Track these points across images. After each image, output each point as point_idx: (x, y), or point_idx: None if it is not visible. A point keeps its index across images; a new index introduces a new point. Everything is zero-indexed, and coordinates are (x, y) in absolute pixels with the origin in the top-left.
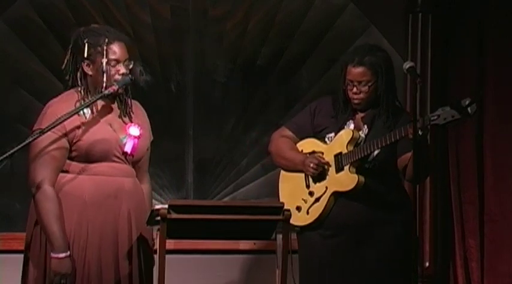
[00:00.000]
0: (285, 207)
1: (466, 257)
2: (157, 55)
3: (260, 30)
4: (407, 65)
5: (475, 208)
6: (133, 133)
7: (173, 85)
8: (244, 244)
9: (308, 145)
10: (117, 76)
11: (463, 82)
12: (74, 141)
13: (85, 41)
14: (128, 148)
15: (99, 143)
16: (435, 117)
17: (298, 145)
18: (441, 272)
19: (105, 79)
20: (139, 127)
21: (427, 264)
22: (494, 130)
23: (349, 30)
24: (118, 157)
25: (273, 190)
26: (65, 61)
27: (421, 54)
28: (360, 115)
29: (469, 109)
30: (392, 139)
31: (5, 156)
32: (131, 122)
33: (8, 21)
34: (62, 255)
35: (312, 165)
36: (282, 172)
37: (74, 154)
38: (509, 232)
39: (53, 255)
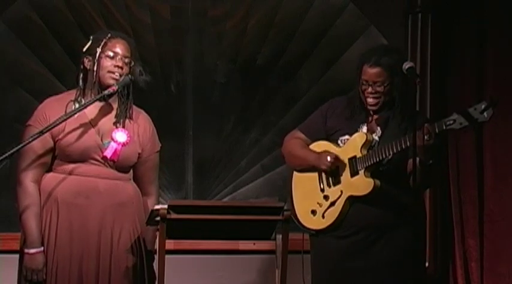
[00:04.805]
0: (299, 210)
1: (466, 257)
2: (157, 55)
3: (260, 30)
4: (406, 65)
5: (475, 208)
6: (119, 139)
7: (173, 85)
8: (244, 244)
9: (320, 147)
10: (111, 68)
11: (463, 82)
12: (56, 140)
13: (90, 37)
14: (107, 153)
15: (77, 144)
16: (451, 122)
17: (310, 147)
18: (441, 272)
19: (95, 68)
20: (127, 134)
21: (427, 264)
22: (494, 130)
23: (349, 30)
24: (97, 161)
25: (273, 190)
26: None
27: (421, 54)
28: (373, 117)
29: (485, 113)
30: (408, 144)
31: (4, 156)
32: (123, 127)
33: (8, 21)
34: (33, 251)
35: (329, 158)
36: (295, 174)
37: (56, 152)
38: (509, 232)
39: (25, 250)
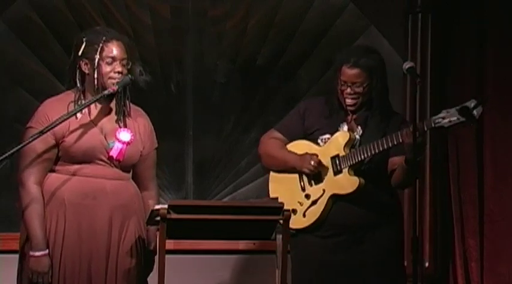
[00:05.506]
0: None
1: (466, 257)
2: (157, 55)
3: (260, 30)
4: (407, 65)
5: (475, 208)
6: (123, 139)
7: (173, 85)
8: (244, 244)
9: (300, 146)
10: (112, 74)
11: (463, 82)
12: (60, 141)
13: (83, 39)
14: (113, 153)
15: (82, 145)
16: (440, 120)
17: (288, 146)
18: (441, 272)
19: (96, 75)
20: (131, 133)
21: (427, 264)
22: (494, 130)
23: (349, 30)
24: (103, 161)
25: None
26: (69, 63)
27: (421, 54)
28: (352, 116)
29: (474, 111)
30: (395, 142)
31: (4, 156)
32: (125, 126)
33: (8, 21)
34: (39, 253)
35: (312, 162)
36: (272, 174)
37: (60, 154)
38: (509, 232)
39: (31, 253)
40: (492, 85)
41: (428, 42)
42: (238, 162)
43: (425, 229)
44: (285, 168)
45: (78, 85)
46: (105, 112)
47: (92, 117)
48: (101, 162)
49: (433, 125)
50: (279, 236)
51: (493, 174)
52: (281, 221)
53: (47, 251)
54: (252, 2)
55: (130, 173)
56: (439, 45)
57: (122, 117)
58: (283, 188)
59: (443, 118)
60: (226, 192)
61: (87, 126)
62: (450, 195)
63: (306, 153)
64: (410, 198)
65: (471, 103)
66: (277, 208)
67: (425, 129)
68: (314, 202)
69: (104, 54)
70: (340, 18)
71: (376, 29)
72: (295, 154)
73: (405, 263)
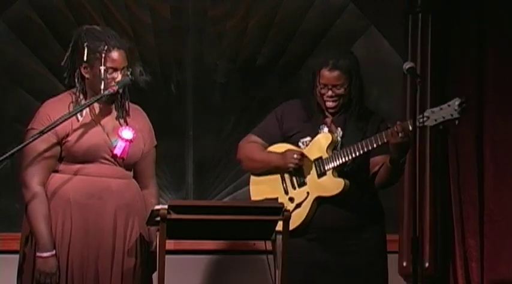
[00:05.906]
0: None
1: (466, 257)
2: (157, 55)
3: (260, 30)
4: (407, 65)
5: (475, 208)
6: (126, 137)
7: (173, 85)
8: (244, 244)
9: (281, 149)
10: (112, 84)
11: (463, 82)
12: (64, 141)
13: (85, 45)
14: (117, 151)
15: (85, 145)
16: (425, 119)
17: (269, 150)
18: (441, 272)
19: (102, 86)
20: (133, 131)
21: (427, 264)
22: (494, 130)
23: (349, 30)
24: (107, 159)
25: None
26: (65, 58)
27: (421, 54)
28: (330, 118)
29: (459, 109)
30: (379, 142)
31: (5, 156)
32: (127, 125)
33: (8, 21)
34: (47, 254)
35: (295, 155)
36: (253, 178)
37: (63, 154)
38: (509, 232)
39: (38, 254)
40: (492, 85)
41: (428, 42)
42: (238, 162)
43: (425, 229)
44: (269, 169)
45: (78, 86)
46: (106, 111)
47: (93, 116)
48: (104, 161)
49: (418, 124)
50: (279, 237)
51: (493, 174)
52: (281, 221)
53: (54, 251)
54: (252, 2)
55: (132, 172)
56: (439, 45)
57: (122, 116)
58: (264, 192)
59: (428, 117)
60: (226, 192)
61: (89, 126)
62: (450, 195)
63: (288, 150)
64: (411, 198)
65: (455, 102)
66: (277, 208)
67: (411, 128)
68: (298, 205)
69: (107, 65)
70: (340, 18)
71: (376, 29)
72: (277, 153)
73: (404, 264)
